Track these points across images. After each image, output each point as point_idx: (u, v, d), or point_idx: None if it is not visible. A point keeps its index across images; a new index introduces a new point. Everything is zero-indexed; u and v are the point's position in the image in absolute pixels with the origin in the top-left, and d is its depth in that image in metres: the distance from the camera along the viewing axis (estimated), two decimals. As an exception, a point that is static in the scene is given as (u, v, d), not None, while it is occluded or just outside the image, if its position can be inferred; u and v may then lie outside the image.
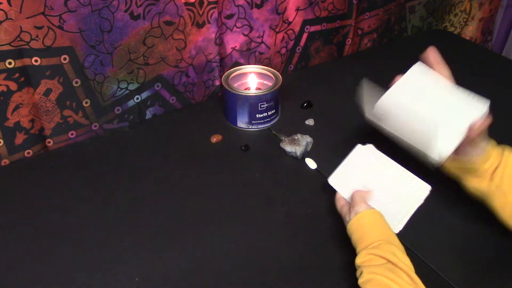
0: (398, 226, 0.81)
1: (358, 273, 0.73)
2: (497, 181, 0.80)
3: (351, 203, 0.83)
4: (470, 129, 0.78)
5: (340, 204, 0.86)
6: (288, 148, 1.06)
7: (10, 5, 0.87)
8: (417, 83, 0.82)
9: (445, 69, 0.84)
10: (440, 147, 0.79)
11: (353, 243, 0.77)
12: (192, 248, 0.86)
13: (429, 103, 0.80)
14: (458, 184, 0.86)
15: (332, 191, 0.97)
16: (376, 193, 0.84)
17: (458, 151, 0.81)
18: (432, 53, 0.84)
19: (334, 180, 0.90)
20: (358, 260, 0.73)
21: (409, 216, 0.82)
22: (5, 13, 0.87)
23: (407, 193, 0.84)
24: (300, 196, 0.97)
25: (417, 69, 0.83)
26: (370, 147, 0.90)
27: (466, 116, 0.79)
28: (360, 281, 0.70)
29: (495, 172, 0.80)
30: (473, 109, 0.79)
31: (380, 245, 0.72)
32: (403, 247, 0.75)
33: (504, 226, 0.82)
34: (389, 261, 0.70)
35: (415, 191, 0.83)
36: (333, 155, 1.07)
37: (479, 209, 0.91)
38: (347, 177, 0.89)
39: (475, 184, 0.82)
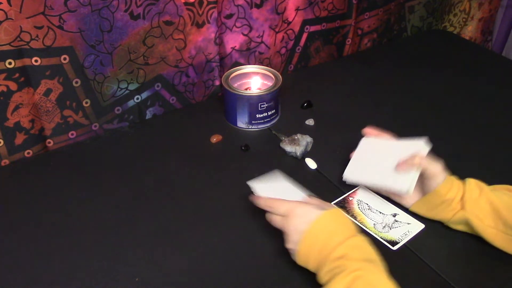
0: (411, 188, 0.86)
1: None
2: (468, 208, 0.82)
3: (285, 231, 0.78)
4: (413, 159, 0.85)
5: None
6: (288, 148, 1.06)
7: (10, 5, 0.87)
8: (366, 151, 0.95)
9: (386, 135, 0.95)
10: (403, 188, 0.86)
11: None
12: (192, 248, 0.86)
13: (381, 161, 0.91)
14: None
15: (333, 191, 0.97)
16: (387, 169, 0.89)
17: (422, 190, 0.87)
18: (370, 131, 0.96)
19: (348, 175, 0.94)
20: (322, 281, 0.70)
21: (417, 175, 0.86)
22: (5, 13, 0.87)
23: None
24: (300, 196, 0.97)
25: (363, 143, 0.96)
26: (367, 139, 0.97)
27: (410, 152, 0.88)
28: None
29: (464, 199, 0.82)
30: (414, 148, 0.88)
31: (327, 258, 0.70)
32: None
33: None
34: (340, 271, 0.67)
35: (418, 150, 0.88)
36: (333, 155, 1.07)
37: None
38: (359, 169, 0.94)
39: (450, 216, 0.84)
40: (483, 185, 0.84)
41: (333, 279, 0.67)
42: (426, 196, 0.86)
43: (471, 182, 0.84)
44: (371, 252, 0.71)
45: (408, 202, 0.90)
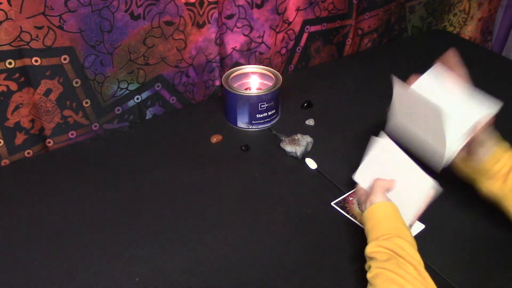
0: (410, 220, 0.82)
1: (366, 266, 0.73)
2: (510, 184, 0.80)
3: (369, 192, 0.82)
4: (475, 127, 0.80)
5: (360, 192, 0.86)
6: (288, 148, 1.06)
7: (10, 5, 0.87)
8: (430, 86, 0.85)
9: (461, 69, 0.87)
10: (448, 146, 0.81)
11: (365, 232, 0.78)
12: (192, 248, 0.86)
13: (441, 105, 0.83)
14: (467, 186, 0.86)
15: (333, 191, 0.98)
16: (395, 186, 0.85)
17: (469, 151, 0.83)
18: (450, 56, 0.88)
19: (359, 177, 0.90)
20: (368, 250, 0.74)
21: (420, 212, 0.83)
22: (5, 13, 0.87)
23: (417, 191, 0.84)
24: (300, 196, 0.97)
25: (431, 73, 0.87)
26: (387, 141, 0.89)
27: (473, 116, 0.81)
28: (368, 276, 0.71)
29: (509, 175, 0.80)
30: (480, 109, 0.82)
31: (390, 238, 0.73)
32: (415, 242, 0.75)
33: (505, 226, 0.82)
34: (397, 254, 0.70)
35: (423, 188, 0.84)
36: (333, 155, 1.07)
37: (479, 210, 0.91)
38: (368, 172, 0.89)
39: (488, 186, 0.83)
40: None
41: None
42: (471, 160, 0.83)
43: None
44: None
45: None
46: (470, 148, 0.83)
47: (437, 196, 0.82)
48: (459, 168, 0.86)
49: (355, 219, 0.91)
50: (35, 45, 0.94)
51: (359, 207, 0.88)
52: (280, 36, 1.30)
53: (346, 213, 0.92)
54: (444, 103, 0.82)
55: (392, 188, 0.83)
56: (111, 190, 0.98)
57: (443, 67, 0.87)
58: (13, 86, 0.96)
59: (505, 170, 0.81)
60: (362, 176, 0.89)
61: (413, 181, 0.84)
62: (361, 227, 0.89)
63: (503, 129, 1.15)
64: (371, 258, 0.73)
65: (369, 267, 0.72)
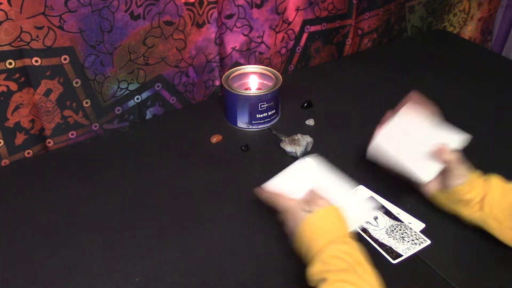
0: (429, 179, 0.86)
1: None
2: (487, 210, 0.81)
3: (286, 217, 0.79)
4: (438, 151, 0.84)
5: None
6: (288, 148, 1.06)
7: (11, 5, 0.87)
8: (400, 127, 0.90)
9: (431, 108, 0.91)
10: (422, 177, 0.87)
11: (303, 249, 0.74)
12: (192, 248, 0.86)
13: (411, 143, 0.89)
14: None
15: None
16: (414, 153, 0.87)
17: (443, 183, 0.85)
18: (414, 97, 0.92)
19: (374, 149, 0.91)
20: (311, 272, 0.69)
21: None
22: (6, 13, 0.87)
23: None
24: (300, 196, 0.97)
25: (400, 115, 0.91)
26: (310, 162, 0.91)
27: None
28: None
29: (484, 201, 0.81)
30: (449, 138, 0.87)
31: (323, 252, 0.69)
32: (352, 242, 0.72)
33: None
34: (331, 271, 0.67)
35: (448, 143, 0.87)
36: (333, 155, 1.07)
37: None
38: (387, 145, 0.90)
39: (468, 214, 0.84)
40: (508, 184, 0.82)
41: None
42: (446, 191, 0.85)
43: (495, 182, 0.82)
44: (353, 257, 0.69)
45: (427, 189, 0.88)
46: (443, 177, 0.85)
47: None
48: (438, 201, 0.88)
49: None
50: (35, 45, 0.94)
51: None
52: (280, 36, 1.30)
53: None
54: (415, 141, 0.88)
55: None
56: (111, 190, 0.98)
57: (412, 107, 0.91)
58: (13, 86, 0.96)
59: (479, 198, 0.82)
60: (378, 149, 0.91)
61: (436, 141, 0.86)
62: (360, 228, 0.89)
63: (504, 129, 1.16)
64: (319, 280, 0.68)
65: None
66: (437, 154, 0.84)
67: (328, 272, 0.67)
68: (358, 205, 0.88)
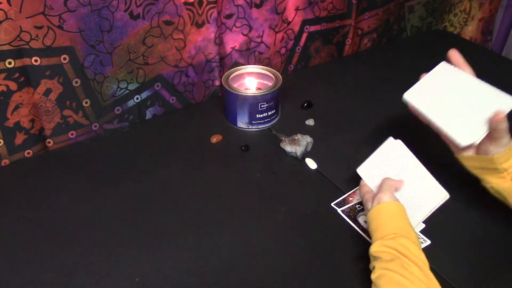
0: (415, 224, 0.83)
1: (370, 266, 0.73)
2: None
3: (377, 190, 0.82)
4: (494, 116, 0.78)
5: (364, 190, 0.87)
6: (288, 148, 1.06)
7: (10, 5, 0.87)
8: (440, 80, 0.85)
9: (468, 69, 0.85)
10: (463, 137, 0.81)
11: (370, 231, 0.78)
12: (192, 248, 0.86)
13: (453, 98, 0.83)
14: (467, 186, 0.86)
15: (333, 191, 0.97)
16: (456, 110, 0.83)
17: (480, 149, 0.81)
18: (454, 55, 0.87)
19: (362, 170, 0.91)
20: (372, 249, 0.74)
21: (424, 218, 0.84)
22: (5, 12, 0.87)
23: (426, 196, 0.85)
24: (300, 196, 0.97)
25: (443, 66, 0.87)
26: (399, 143, 0.90)
27: (493, 108, 0.80)
28: (372, 276, 0.71)
29: None
30: (501, 102, 0.80)
31: (395, 238, 0.73)
32: (419, 243, 0.75)
33: (506, 226, 0.82)
34: (402, 254, 0.70)
35: (434, 195, 0.84)
36: (333, 155, 1.07)
37: (480, 210, 0.91)
38: (375, 169, 0.89)
39: (496, 184, 0.81)
40: None
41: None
42: (481, 156, 0.82)
43: None
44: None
45: (460, 151, 0.85)
46: (482, 146, 0.81)
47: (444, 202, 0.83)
48: (467, 163, 0.85)
49: (353, 222, 0.90)
50: (34, 44, 0.94)
51: (363, 205, 0.87)
52: (279, 36, 1.29)
53: (346, 215, 0.92)
54: (461, 96, 0.82)
55: (399, 189, 0.84)
56: (111, 190, 0.98)
57: (450, 65, 0.87)
58: (13, 85, 0.96)
59: None
60: (366, 171, 0.90)
61: (424, 188, 0.85)
62: (360, 228, 0.89)
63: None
64: (375, 258, 0.73)
65: (373, 268, 0.72)
66: (491, 119, 0.78)
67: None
68: (434, 189, 0.85)
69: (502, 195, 0.81)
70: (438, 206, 0.84)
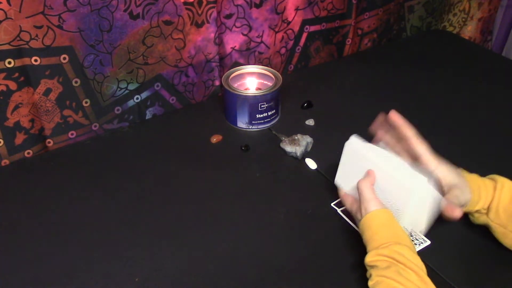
0: (402, 222, 0.81)
1: (368, 274, 0.73)
2: (492, 215, 0.80)
3: (359, 199, 0.81)
4: (447, 212, 0.79)
5: (349, 201, 0.86)
6: (288, 148, 1.06)
7: (10, 5, 0.87)
8: (357, 158, 0.86)
9: (408, 130, 0.84)
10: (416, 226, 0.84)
11: (364, 241, 0.78)
12: (192, 248, 0.86)
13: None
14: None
15: (333, 191, 0.97)
16: (376, 183, 0.82)
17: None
18: (394, 117, 0.85)
19: (338, 180, 0.90)
20: (367, 259, 0.73)
21: (427, 222, 0.82)
22: (5, 12, 0.87)
23: (398, 197, 0.81)
24: (300, 196, 0.97)
25: (352, 143, 0.88)
26: (355, 144, 0.88)
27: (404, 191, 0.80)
28: (370, 283, 0.71)
29: (490, 207, 0.80)
30: (412, 181, 0.79)
31: (389, 246, 0.72)
32: (414, 247, 0.75)
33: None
34: (397, 261, 0.70)
35: (404, 194, 0.80)
36: (333, 155, 1.07)
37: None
38: (350, 176, 0.87)
39: (473, 219, 0.84)
40: None
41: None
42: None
43: (503, 186, 0.79)
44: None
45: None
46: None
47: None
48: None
49: (353, 222, 0.90)
50: (34, 44, 0.94)
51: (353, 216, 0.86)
52: (279, 35, 1.29)
53: (346, 215, 0.92)
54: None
55: (374, 180, 0.82)
56: (111, 190, 0.98)
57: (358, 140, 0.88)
58: (13, 85, 0.96)
59: (486, 205, 0.80)
60: (342, 180, 0.89)
61: (393, 190, 0.81)
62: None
63: (504, 129, 1.16)
64: (371, 267, 0.73)
65: (370, 275, 0.72)
66: (444, 213, 0.80)
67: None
68: (404, 187, 0.80)
69: (483, 224, 0.83)
70: (429, 203, 0.80)
